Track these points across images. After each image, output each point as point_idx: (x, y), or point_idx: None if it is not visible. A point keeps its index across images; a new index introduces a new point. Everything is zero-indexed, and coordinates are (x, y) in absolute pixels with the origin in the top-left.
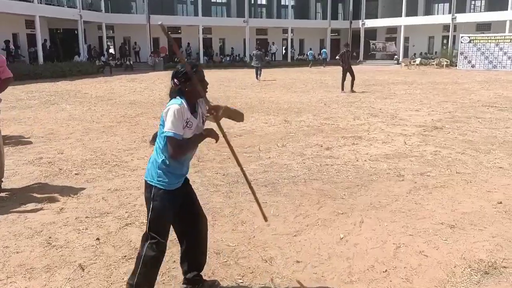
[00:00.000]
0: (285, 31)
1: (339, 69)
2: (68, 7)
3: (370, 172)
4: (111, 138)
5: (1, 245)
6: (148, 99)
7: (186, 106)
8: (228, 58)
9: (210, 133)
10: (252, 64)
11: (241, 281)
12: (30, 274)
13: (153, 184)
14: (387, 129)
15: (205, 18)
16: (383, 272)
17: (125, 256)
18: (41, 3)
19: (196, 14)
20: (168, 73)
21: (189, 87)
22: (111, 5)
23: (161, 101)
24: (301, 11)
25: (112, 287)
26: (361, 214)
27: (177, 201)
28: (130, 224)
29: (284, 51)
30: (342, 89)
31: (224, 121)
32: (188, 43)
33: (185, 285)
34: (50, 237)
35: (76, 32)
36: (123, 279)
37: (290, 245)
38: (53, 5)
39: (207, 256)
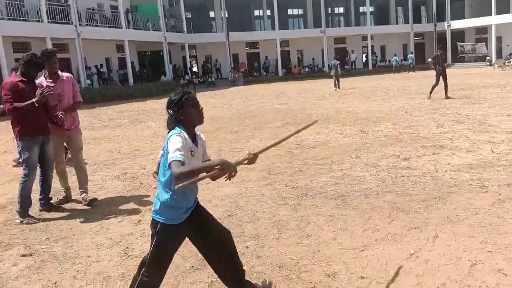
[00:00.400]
0: (364, 38)
1: (425, 74)
2: (153, 30)
3: (450, 184)
4: None
5: (84, 254)
6: (226, 113)
7: (186, 135)
8: (306, 69)
9: (225, 165)
10: (331, 74)
11: None
12: (107, 281)
13: (158, 220)
14: (473, 137)
15: (282, 31)
16: None
17: (192, 266)
18: (128, 28)
19: (273, 28)
20: (248, 87)
21: (184, 115)
22: (193, 26)
23: (239, 115)
24: (381, 17)
25: None
26: (435, 228)
27: (183, 235)
28: None
29: (364, 59)
30: (430, 94)
31: (311, 133)
32: (266, 57)
33: None
34: (127, 247)
35: (161, 53)
36: None
37: (355, 260)
38: (140, 29)
39: (268, 269)
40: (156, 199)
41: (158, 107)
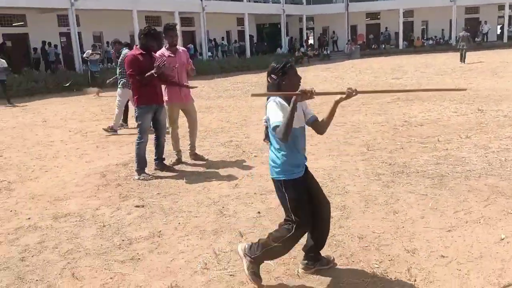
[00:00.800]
0: (501, 7)
1: None
2: (273, 3)
3: None
4: None
5: (186, 209)
6: (336, 88)
7: (280, 99)
8: (430, 42)
9: (301, 91)
10: (458, 46)
11: (377, 266)
12: (202, 234)
13: (281, 179)
14: None
15: (406, 0)
16: None
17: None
18: (249, 1)
19: None
20: (364, 61)
21: (286, 80)
22: None
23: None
24: None
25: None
26: None
27: (305, 187)
28: None
29: (499, 31)
30: None
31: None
32: (386, 28)
33: (305, 261)
34: (223, 207)
35: (279, 26)
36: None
37: (439, 240)
38: (260, 2)
39: (348, 239)
40: (271, 162)
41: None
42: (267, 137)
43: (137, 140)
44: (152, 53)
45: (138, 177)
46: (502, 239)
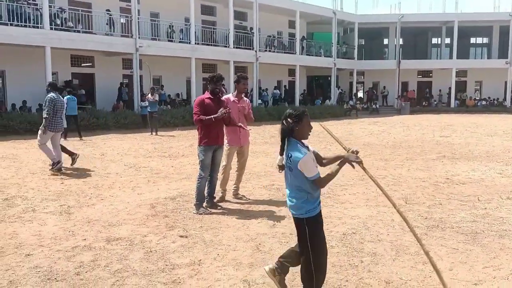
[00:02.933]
0: None
1: None
2: (325, 56)
3: None
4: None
5: (226, 243)
6: (381, 141)
7: (304, 148)
8: (483, 102)
9: (347, 160)
10: None
11: None
12: (238, 266)
13: (303, 217)
14: None
15: (459, 60)
16: None
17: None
18: (302, 54)
19: (450, 57)
20: (414, 117)
21: (299, 126)
22: (365, 52)
23: (394, 144)
24: None
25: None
26: None
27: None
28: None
29: None
30: None
31: (449, 168)
32: (439, 90)
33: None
34: (259, 244)
35: (329, 78)
36: (301, 284)
37: None
38: (312, 55)
39: (375, 282)
40: (293, 200)
41: (317, 129)
42: (281, 168)
43: (198, 176)
44: (220, 98)
45: (197, 211)
46: None
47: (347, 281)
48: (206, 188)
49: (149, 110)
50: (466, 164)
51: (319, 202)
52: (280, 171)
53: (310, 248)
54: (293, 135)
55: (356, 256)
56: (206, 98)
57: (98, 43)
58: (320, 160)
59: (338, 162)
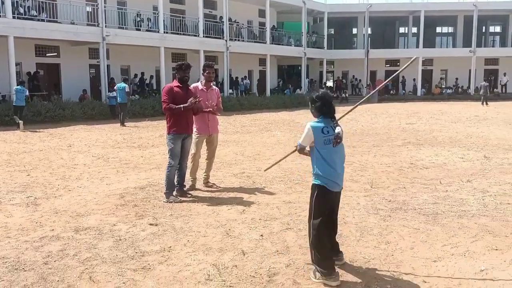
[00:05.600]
0: None
1: None
2: (295, 46)
3: None
4: (303, 161)
5: (196, 230)
6: (350, 129)
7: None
8: (448, 91)
9: None
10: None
11: (363, 285)
12: (208, 251)
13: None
14: None
15: (425, 49)
16: None
17: (277, 250)
18: (272, 43)
19: (417, 46)
20: (381, 105)
21: (312, 109)
22: (334, 42)
23: (362, 131)
24: None
25: (260, 270)
26: None
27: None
28: (290, 229)
29: None
30: None
31: (413, 153)
32: (403, 77)
33: None
34: (229, 229)
35: (299, 68)
36: (269, 267)
37: (424, 267)
38: (283, 44)
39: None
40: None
41: (287, 118)
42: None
43: (167, 165)
44: (189, 87)
45: (167, 199)
46: (482, 271)
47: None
48: (176, 176)
49: (119, 101)
50: (430, 149)
51: (336, 184)
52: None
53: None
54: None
55: None
56: (175, 86)
57: (64, 32)
58: None
59: None
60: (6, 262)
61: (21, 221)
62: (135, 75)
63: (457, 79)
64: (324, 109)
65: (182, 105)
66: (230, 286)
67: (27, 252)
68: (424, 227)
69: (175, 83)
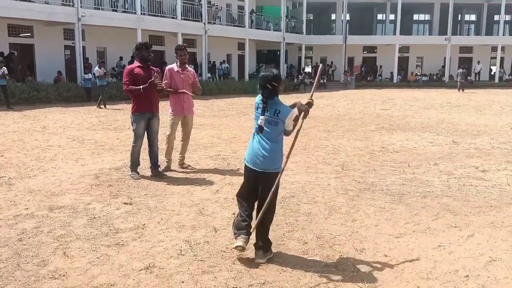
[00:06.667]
0: (494, 49)
1: None
2: (274, 30)
3: None
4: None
5: (169, 208)
6: (326, 114)
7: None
8: (423, 78)
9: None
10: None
11: (328, 259)
12: (181, 229)
13: (279, 172)
14: None
15: (402, 36)
16: (464, 277)
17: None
18: (251, 27)
19: (394, 33)
20: (358, 91)
21: (281, 86)
22: (313, 27)
23: (338, 116)
24: None
25: (231, 246)
26: (475, 229)
27: None
28: None
29: (493, 71)
30: None
31: (385, 138)
32: (381, 66)
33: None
34: (203, 208)
35: (278, 53)
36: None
37: (386, 243)
38: (262, 29)
39: (308, 238)
40: (273, 154)
41: None
42: (261, 130)
43: (132, 143)
44: (151, 66)
45: (130, 173)
46: (439, 246)
47: (283, 237)
48: (149, 158)
49: (98, 83)
50: (402, 134)
51: None
52: (259, 132)
53: (274, 196)
54: (277, 95)
55: (293, 216)
56: (136, 67)
57: (37, 12)
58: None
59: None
60: None
61: None
62: (121, 58)
63: (443, 66)
64: (259, 88)
65: (141, 86)
66: (202, 260)
67: (1, 229)
68: (389, 206)
69: (136, 63)
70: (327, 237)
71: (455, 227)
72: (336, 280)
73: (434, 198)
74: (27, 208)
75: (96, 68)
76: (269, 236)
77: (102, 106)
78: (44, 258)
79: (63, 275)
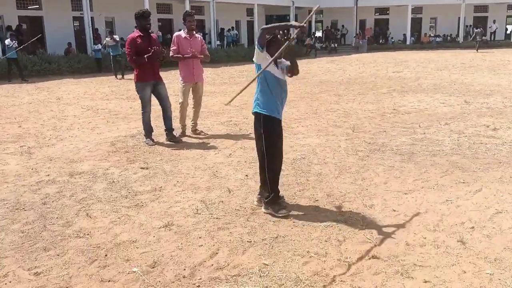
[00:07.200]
0: (510, 7)
1: None
2: None
3: None
4: (289, 109)
5: (184, 172)
6: (337, 78)
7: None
8: (437, 39)
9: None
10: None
11: (338, 215)
12: (196, 190)
13: (261, 112)
14: None
15: None
16: (470, 228)
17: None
18: None
19: None
20: (370, 55)
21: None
22: None
23: (349, 80)
24: None
25: (245, 205)
26: (482, 184)
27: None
28: None
29: (509, 31)
30: None
31: (397, 100)
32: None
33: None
34: (216, 171)
35: (288, 17)
36: (253, 201)
37: (395, 199)
38: None
39: (318, 196)
40: (256, 101)
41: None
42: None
43: (141, 110)
44: (151, 35)
45: (145, 140)
46: (447, 200)
47: (295, 196)
48: (163, 123)
49: (112, 53)
50: (414, 96)
51: (280, 110)
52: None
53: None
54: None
55: (304, 176)
56: (137, 36)
57: None
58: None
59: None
60: (6, 203)
61: (17, 168)
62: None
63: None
64: None
65: (145, 56)
66: (217, 218)
67: (25, 194)
68: (399, 165)
69: (137, 33)
70: (337, 195)
71: (463, 182)
72: (345, 233)
73: (444, 156)
74: (48, 175)
75: (107, 38)
76: (269, 190)
77: (120, 76)
78: (68, 220)
79: (88, 234)
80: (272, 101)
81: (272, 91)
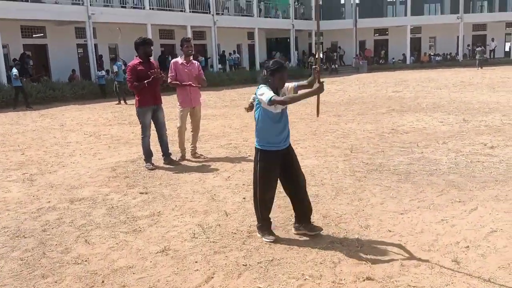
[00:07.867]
0: (509, 25)
1: None
2: (283, 18)
3: None
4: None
5: (183, 196)
6: (337, 99)
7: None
8: (437, 58)
9: (320, 90)
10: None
11: (334, 236)
12: (194, 214)
13: (258, 148)
14: None
15: (414, 17)
16: (465, 247)
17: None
18: (260, 16)
19: (405, 14)
20: (371, 75)
21: (271, 80)
22: (322, 12)
23: (349, 101)
24: None
25: (241, 228)
26: (478, 203)
27: (279, 160)
28: None
29: (508, 48)
30: None
31: (396, 120)
32: (382, 47)
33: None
34: (214, 194)
35: (288, 40)
36: (250, 224)
37: (390, 219)
38: (271, 17)
39: (314, 218)
40: (255, 133)
41: None
42: (251, 108)
43: (141, 135)
44: (151, 61)
45: (145, 165)
46: (442, 220)
47: (291, 217)
48: (159, 146)
49: (117, 80)
50: (412, 115)
51: (280, 143)
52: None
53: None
54: (267, 85)
55: None
56: (137, 63)
57: (48, 12)
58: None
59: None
60: (7, 231)
61: (18, 195)
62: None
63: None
64: None
65: (145, 81)
66: (214, 242)
67: (26, 222)
68: (396, 185)
69: (137, 60)
70: (333, 216)
71: (459, 201)
72: (340, 254)
73: (441, 175)
74: (49, 202)
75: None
76: (260, 215)
77: (123, 102)
78: (67, 246)
79: (85, 260)
80: (268, 134)
81: (268, 125)
